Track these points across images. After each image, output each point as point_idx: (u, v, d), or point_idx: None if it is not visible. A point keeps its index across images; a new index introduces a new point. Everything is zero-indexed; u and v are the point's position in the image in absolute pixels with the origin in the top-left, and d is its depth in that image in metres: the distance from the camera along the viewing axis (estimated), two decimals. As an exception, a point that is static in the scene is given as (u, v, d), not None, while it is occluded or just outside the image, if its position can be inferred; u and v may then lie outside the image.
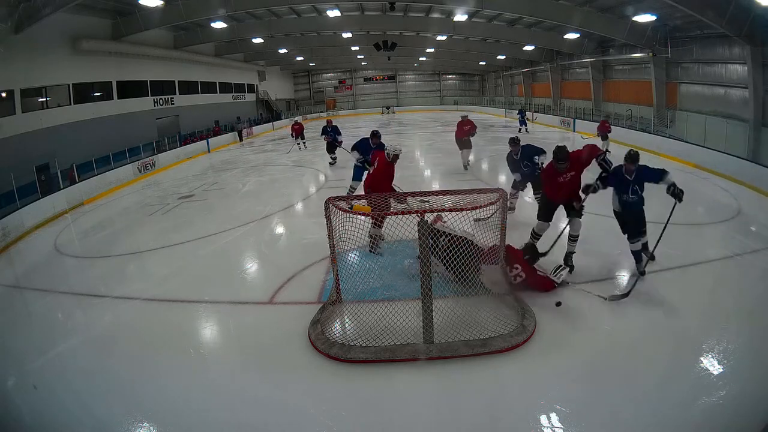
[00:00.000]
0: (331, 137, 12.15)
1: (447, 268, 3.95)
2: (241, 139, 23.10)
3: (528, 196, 8.72)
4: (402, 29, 20.83)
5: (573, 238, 4.96)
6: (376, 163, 5.82)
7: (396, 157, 5.55)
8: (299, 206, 8.97)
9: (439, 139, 18.66)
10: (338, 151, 12.20)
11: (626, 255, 5.10)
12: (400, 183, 10.05)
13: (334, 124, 12.56)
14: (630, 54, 16.57)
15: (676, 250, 5.44)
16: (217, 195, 10.60)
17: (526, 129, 19.58)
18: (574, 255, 4.97)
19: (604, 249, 5.47)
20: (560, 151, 4.73)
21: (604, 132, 13.00)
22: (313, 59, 31.52)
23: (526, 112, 20.50)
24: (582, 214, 4.95)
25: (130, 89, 17.53)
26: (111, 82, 16.41)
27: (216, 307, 4.77)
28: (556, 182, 4.86)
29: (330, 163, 12.65)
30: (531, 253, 4.69)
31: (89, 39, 14.49)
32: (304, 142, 16.85)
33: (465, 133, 11.05)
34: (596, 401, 3.01)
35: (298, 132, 16.60)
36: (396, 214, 3.60)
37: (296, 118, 18.31)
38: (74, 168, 11.97)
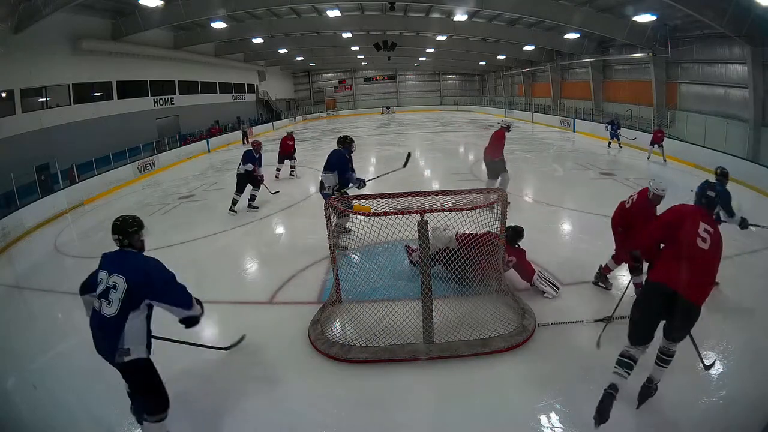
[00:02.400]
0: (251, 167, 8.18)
1: (446, 267, 3.97)
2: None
3: (528, 196, 8.75)
4: (402, 29, 20.85)
5: None
6: (633, 198, 4.30)
7: (658, 197, 4.07)
8: (299, 206, 8.97)
9: (439, 139, 18.67)
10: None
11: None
12: (399, 183, 10.10)
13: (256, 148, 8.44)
14: (630, 54, 16.59)
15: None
16: (217, 195, 10.59)
17: (619, 144, 14.37)
18: None
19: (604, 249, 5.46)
20: None
21: (657, 141, 11.82)
22: (313, 59, 31.55)
23: (621, 128, 14.65)
24: None
25: (130, 89, 17.55)
26: (111, 82, 16.43)
27: (216, 307, 4.76)
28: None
29: (231, 211, 8.30)
30: (512, 234, 4.50)
31: (89, 39, 14.51)
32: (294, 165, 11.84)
33: (498, 150, 7.56)
34: (596, 401, 3.00)
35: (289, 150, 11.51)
36: (396, 214, 3.60)
37: (289, 130, 12.07)
38: (74, 168, 11.97)
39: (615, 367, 2.77)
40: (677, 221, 2.86)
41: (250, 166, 8.13)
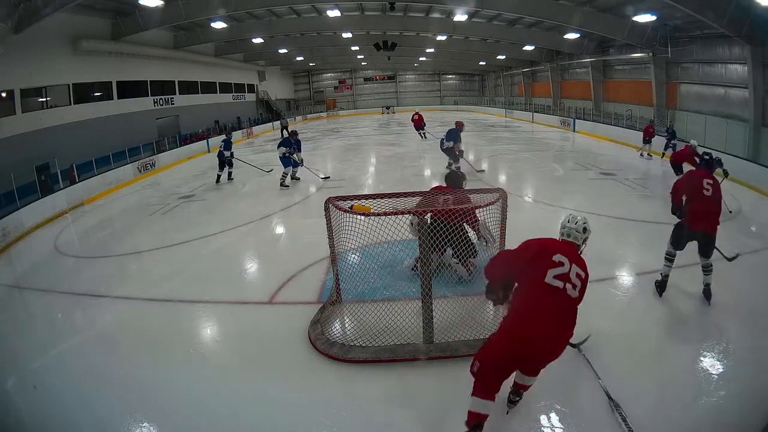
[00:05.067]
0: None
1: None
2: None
3: (528, 196, 8.75)
4: (402, 29, 20.82)
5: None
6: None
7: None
8: (299, 206, 8.97)
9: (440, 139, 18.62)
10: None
11: (623, 254, 5.12)
12: (400, 183, 10.11)
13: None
14: (630, 54, 16.57)
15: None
16: (217, 195, 10.60)
17: (673, 148, 11.74)
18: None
19: (604, 248, 5.48)
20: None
21: (648, 137, 12.61)
22: (313, 59, 31.52)
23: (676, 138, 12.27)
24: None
25: (130, 89, 17.52)
26: (111, 82, 16.40)
27: (216, 307, 4.77)
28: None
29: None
30: (453, 179, 5.22)
31: (89, 39, 14.48)
32: (424, 133, 17.56)
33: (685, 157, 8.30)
34: (596, 401, 3.01)
35: (418, 123, 17.56)
36: (396, 214, 3.60)
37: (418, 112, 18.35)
38: (74, 168, 11.96)
39: (665, 263, 4.34)
40: (689, 183, 4.28)
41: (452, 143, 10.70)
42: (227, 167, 11.60)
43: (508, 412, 2.87)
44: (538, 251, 2.54)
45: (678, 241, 4.28)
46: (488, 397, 2.44)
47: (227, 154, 11.42)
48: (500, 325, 2.57)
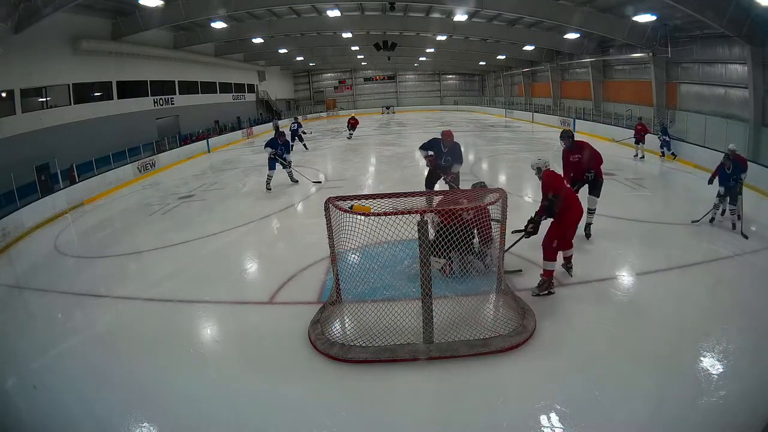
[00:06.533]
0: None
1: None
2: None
3: (528, 196, 8.75)
4: (402, 29, 20.82)
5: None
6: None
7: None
8: (299, 206, 8.97)
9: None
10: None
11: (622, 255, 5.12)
12: (400, 183, 10.11)
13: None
14: (630, 54, 16.55)
15: (676, 250, 5.45)
16: (217, 195, 10.60)
17: (673, 154, 12.20)
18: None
19: (604, 249, 5.49)
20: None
21: (638, 136, 12.43)
22: (313, 59, 31.51)
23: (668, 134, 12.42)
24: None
25: (130, 89, 17.51)
26: (111, 82, 16.39)
27: (216, 307, 4.77)
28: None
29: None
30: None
31: (89, 39, 14.49)
32: (351, 134, 20.05)
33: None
34: (596, 401, 3.01)
35: (354, 124, 20.25)
36: (396, 214, 3.60)
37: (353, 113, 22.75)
38: (74, 168, 11.97)
39: (589, 216, 5.87)
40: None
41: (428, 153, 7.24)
42: (285, 167, 10.32)
43: (572, 275, 4.65)
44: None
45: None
46: (555, 260, 4.41)
47: (300, 131, 13.79)
48: (552, 224, 4.42)
